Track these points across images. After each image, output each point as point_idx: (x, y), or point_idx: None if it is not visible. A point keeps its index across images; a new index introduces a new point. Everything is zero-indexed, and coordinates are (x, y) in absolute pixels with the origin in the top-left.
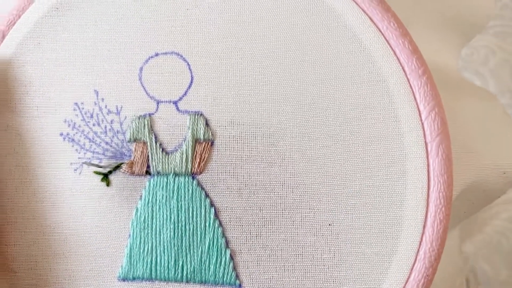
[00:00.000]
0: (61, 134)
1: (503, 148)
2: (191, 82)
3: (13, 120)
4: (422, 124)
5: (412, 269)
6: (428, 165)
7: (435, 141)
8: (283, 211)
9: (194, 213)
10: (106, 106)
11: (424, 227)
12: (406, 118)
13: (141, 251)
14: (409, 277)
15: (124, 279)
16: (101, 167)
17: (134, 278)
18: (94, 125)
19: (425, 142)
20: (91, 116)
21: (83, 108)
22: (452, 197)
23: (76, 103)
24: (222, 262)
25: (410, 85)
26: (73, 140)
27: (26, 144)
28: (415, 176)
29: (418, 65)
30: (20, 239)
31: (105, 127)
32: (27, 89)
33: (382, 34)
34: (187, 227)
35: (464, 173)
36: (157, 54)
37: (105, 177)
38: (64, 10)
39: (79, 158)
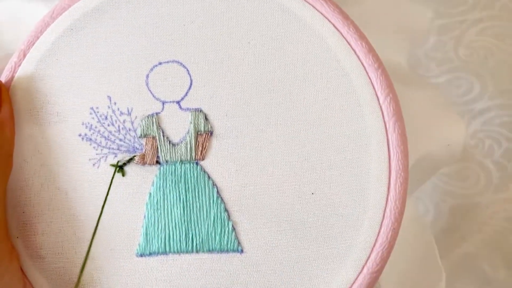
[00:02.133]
0: (80, 135)
1: (447, 126)
2: (191, 84)
3: (36, 126)
4: (381, 107)
5: (381, 224)
6: (387, 140)
7: (392, 120)
8: (274, 185)
9: (200, 193)
10: (118, 109)
11: (388, 189)
12: (367, 103)
13: (156, 229)
14: (379, 230)
15: (142, 255)
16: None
17: (150, 254)
18: (108, 125)
19: (384, 121)
20: (106, 118)
21: (98, 112)
22: (408, 165)
23: (92, 108)
24: (226, 232)
25: (368, 77)
26: (90, 139)
27: (49, 146)
28: (378, 149)
29: (373, 60)
30: (47, 228)
31: (119, 126)
32: (48, 98)
33: (344, 37)
34: (194, 205)
35: (416, 148)
36: (160, 63)
37: (121, 168)
38: (78, 30)
39: (96, 154)
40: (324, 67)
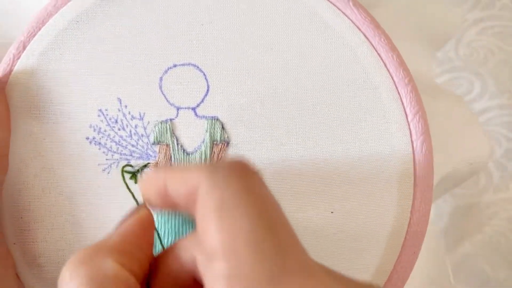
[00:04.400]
0: (87, 138)
1: (471, 143)
2: (208, 90)
3: (37, 126)
4: (409, 125)
5: (402, 245)
6: (414, 160)
7: (419, 139)
8: (293, 202)
9: None
10: (129, 113)
11: (411, 211)
12: (395, 120)
13: (166, 242)
14: (400, 254)
15: None
16: (132, 166)
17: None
18: (119, 129)
19: (411, 140)
20: (116, 122)
21: (107, 114)
22: (432, 186)
23: (100, 110)
24: None
25: (398, 92)
26: (99, 143)
27: (52, 148)
28: (403, 169)
29: (404, 75)
30: (47, 235)
31: (130, 131)
32: (50, 97)
33: (374, 48)
34: None
35: (438, 166)
36: (175, 65)
37: (134, 175)
38: (85, 23)
39: (107, 159)
40: (351, 79)
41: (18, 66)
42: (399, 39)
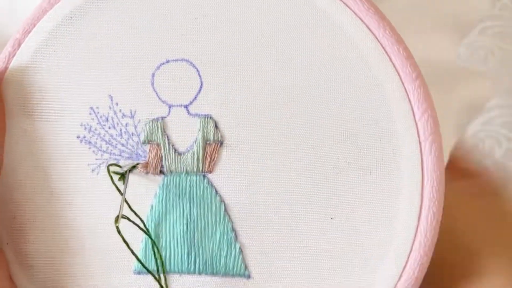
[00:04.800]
0: (78, 137)
1: None
2: (201, 87)
3: (30, 124)
4: (416, 124)
5: (408, 257)
6: (422, 162)
7: (428, 140)
8: (288, 207)
9: (205, 209)
10: (120, 110)
11: (419, 219)
12: (402, 119)
13: (156, 245)
14: (405, 265)
15: (140, 272)
16: (120, 166)
17: (149, 271)
18: (109, 128)
19: (419, 141)
20: (107, 120)
21: (98, 112)
22: (444, 192)
23: (91, 108)
24: (232, 255)
25: (404, 88)
26: (89, 142)
27: (43, 147)
28: (410, 172)
29: (411, 70)
30: (38, 236)
31: (120, 130)
32: (43, 94)
33: (378, 41)
34: (199, 223)
35: None
36: (168, 61)
37: (122, 176)
38: (78, 19)
39: (96, 159)
40: (353, 74)
41: (13, 63)
42: (417, 31)
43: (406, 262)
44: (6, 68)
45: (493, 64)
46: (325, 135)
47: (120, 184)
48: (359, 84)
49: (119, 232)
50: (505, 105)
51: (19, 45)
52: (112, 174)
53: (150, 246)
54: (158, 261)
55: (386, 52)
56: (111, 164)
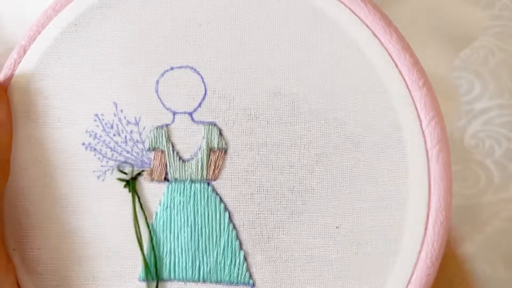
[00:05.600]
0: (83, 144)
1: None
2: (205, 94)
3: (35, 131)
4: (423, 132)
5: (414, 268)
6: (428, 171)
7: (435, 148)
8: (293, 215)
9: (210, 217)
10: (125, 117)
11: (425, 229)
12: (408, 126)
13: (160, 252)
14: (412, 275)
15: (145, 280)
16: (126, 173)
17: (153, 279)
18: (114, 135)
19: (426, 149)
20: (111, 127)
21: (103, 119)
22: (451, 202)
23: (96, 115)
24: (237, 263)
25: (411, 95)
26: (95, 149)
27: (49, 154)
28: (417, 181)
29: (418, 77)
30: (44, 243)
31: (125, 137)
32: (48, 101)
33: (385, 47)
34: (203, 230)
35: None
36: (172, 68)
37: (128, 183)
38: (82, 26)
39: (101, 166)
40: (358, 81)
41: (19, 70)
42: (415, 40)
43: (413, 273)
44: (12, 75)
45: (493, 64)
46: (331, 143)
47: (125, 191)
48: (364, 92)
49: (138, 238)
50: (505, 105)
51: (25, 52)
52: (118, 182)
53: (156, 254)
54: (154, 267)
55: (392, 59)
56: (119, 170)
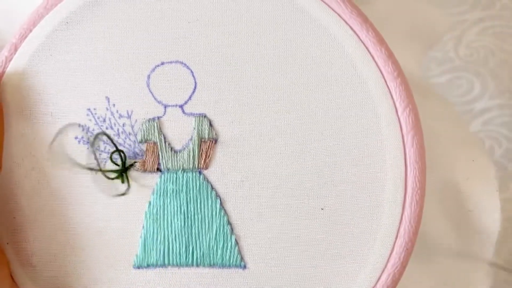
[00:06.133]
0: (76, 138)
1: (463, 155)
2: (195, 87)
3: (28, 126)
4: (399, 119)
5: (394, 244)
6: (404, 154)
7: (410, 134)
8: (281, 199)
9: (202, 204)
10: (117, 111)
11: (403, 207)
12: (385, 114)
13: (154, 240)
14: (392, 251)
15: (139, 267)
16: (118, 165)
17: (148, 266)
18: (107, 128)
19: (402, 134)
20: (104, 121)
21: (95, 114)
22: (425, 181)
23: (89, 109)
24: (229, 247)
25: (387, 86)
26: (87, 142)
27: (42, 148)
28: (394, 163)
29: (393, 68)
30: (38, 235)
31: (118, 130)
32: (41, 97)
33: (362, 41)
34: (196, 217)
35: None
36: (162, 63)
37: (121, 174)
38: (74, 24)
39: (94, 159)
40: (339, 73)
41: (10, 68)
42: (388, 37)
43: (393, 248)
44: (3, 72)
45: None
46: (314, 131)
47: (118, 183)
48: (345, 82)
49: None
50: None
51: (16, 49)
52: (111, 173)
53: (149, 241)
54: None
55: (369, 52)
56: (115, 151)
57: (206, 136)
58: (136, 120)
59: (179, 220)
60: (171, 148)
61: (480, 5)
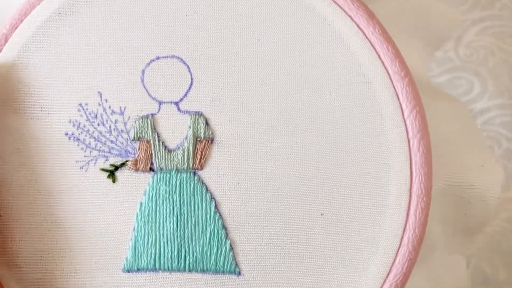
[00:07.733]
0: (66, 134)
1: (469, 159)
2: (191, 84)
3: (17, 120)
4: (405, 121)
5: (397, 253)
6: (410, 159)
7: (417, 137)
8: (279, 203)
9: (196, 206)
10: (110, 107)
11: (407, 215)
12: (390, 116)
13: (145, 243)
14: (394, 260)
15: (129, 270)
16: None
17: (138, 269)
18: (98, 124)
19: (408, 138)
20: (96, 117)
21: (87, 109)
22: (431, 188)
23: (80, 104)
24: (223, 252)
25: (393, 86)
26: (78, 139)
27: (31, 144)
28: (399, 168)
29: (400, 68)
30: (25, 235)
31: (110, 126)
32: (30, 90)
33: (368, 39)
34: (189, 220)
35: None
36: (158, 58)
37: (111, 173)
38: (66, 15)
39: (85, 156)
40: (343, 72)
41: (0, 59)
42: (395, 36)
43: (395, 257)
44: None
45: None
46: (315, 132)
47: (109, 181)
48: (348, 81)
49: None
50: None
51: (6, 40)
52: (101, 172)
53: (140, 244)
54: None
55: (375, 50)
56: (112, 169)
57: (202, 135)
58: (129, 117)
59: (171, 222)
60: (165, 147)
61: (480, 5)
